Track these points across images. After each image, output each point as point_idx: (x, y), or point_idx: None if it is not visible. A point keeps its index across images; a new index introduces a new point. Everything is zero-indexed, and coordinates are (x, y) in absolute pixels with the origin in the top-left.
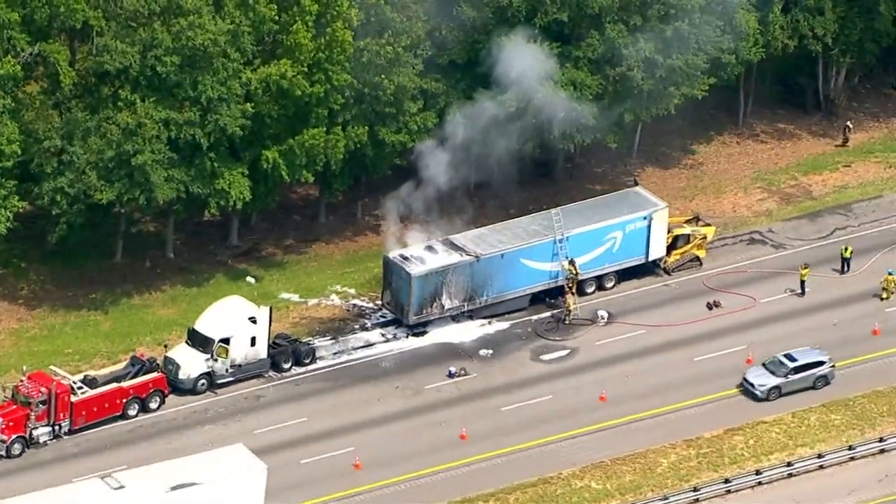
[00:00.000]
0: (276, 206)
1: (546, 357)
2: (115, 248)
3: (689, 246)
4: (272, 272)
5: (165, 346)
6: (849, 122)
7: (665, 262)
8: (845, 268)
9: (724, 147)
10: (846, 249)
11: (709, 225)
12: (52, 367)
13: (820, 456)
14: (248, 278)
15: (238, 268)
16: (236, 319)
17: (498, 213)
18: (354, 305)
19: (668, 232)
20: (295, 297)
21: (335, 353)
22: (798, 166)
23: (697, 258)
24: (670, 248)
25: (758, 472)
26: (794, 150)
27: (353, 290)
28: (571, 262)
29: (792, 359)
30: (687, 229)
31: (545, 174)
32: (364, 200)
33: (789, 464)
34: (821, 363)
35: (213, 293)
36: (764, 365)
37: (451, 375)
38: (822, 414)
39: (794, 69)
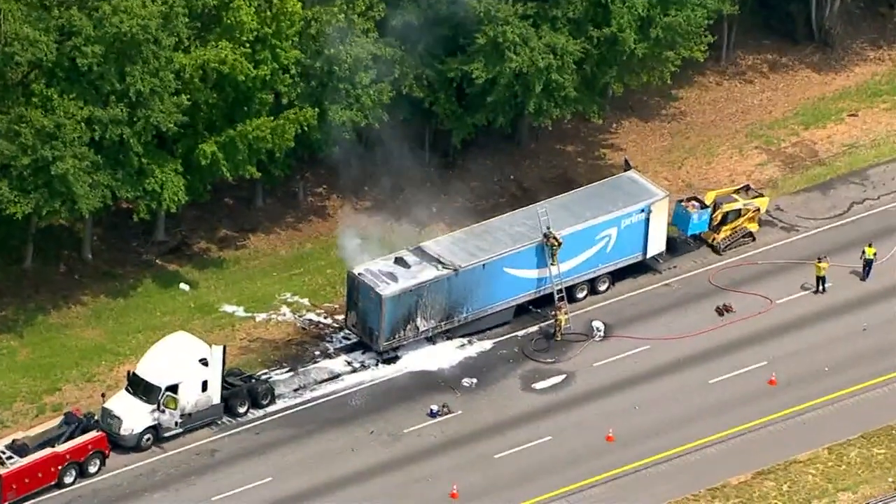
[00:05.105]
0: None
1: (539, 385)
2: (24, 251)
3: (741, 220)
4: (208, 274)
5: (103, 396)
6: None
7: (714, 239)
8: (868, 272)
9: (708, 91)
10: (869, 249)
11: (761, 195)
12: None
13: None
14: (182, 285)
15: (168, 269)
16: (185, 362)
17: (459, 186)
18: (310, 321)
19: (717, 208)
20: (240, 312)
21: (296, 390)
22: (796, 116)
23: (750, 233)
24: (719, 224)
25: None
26: (787, 93)
27: (305, 301)
28: (551, 236)
29: None
30: (738, 203)
31: (508, 136)
32: (305, 175)
33: None
34: None
35: (143, 305)
36: None
37: (432, 415)
38: (862, 448)
39: None
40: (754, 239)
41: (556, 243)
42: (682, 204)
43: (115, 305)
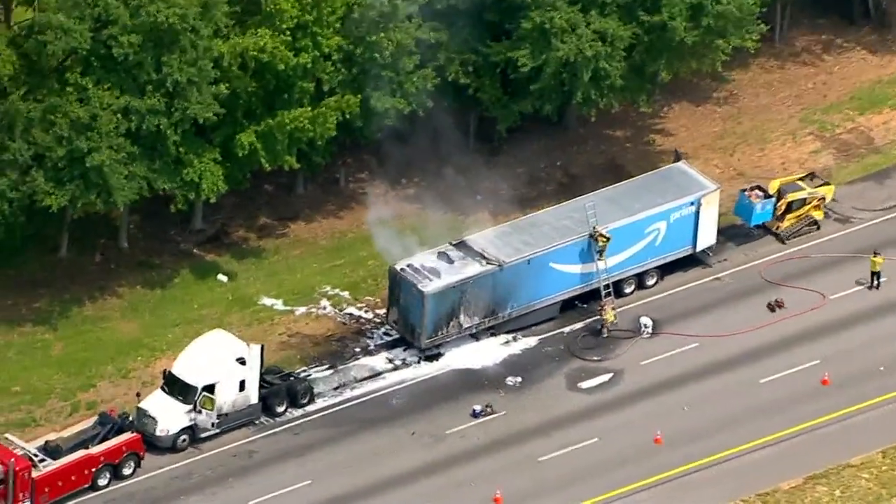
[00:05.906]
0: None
1: (585, 384)
2: (60, 240)
3: (806, 208)
4: (247, 265)
5: (138, 395)
6: None
7: (778, 227)
8: None
9: (762, 73)
10: None
11: (827, 184)
12: (6, 436)
13: None
14: (220, 276)
15: (206, 259)
16: (222, 361)
17: (504, 173)
18: (350, 315)
19: (781, 197)
20: (279, 305)
21: (336, 389)
22: (852, 101)
23: (815, 222)
24: (784, 213)
25: None
26: (843, 77)
27: (346, 293)
28: (598, 234)
29: None
30: (804, 192)
31: (555, 122)
32: (347, 161)
33: None
34: None
35: (180, 297)
36: None
37: (475, 415)
38: None
39: None
40: (819, 227)
41: (605, 239)
42: (746, 193)
43: (151, 297)
